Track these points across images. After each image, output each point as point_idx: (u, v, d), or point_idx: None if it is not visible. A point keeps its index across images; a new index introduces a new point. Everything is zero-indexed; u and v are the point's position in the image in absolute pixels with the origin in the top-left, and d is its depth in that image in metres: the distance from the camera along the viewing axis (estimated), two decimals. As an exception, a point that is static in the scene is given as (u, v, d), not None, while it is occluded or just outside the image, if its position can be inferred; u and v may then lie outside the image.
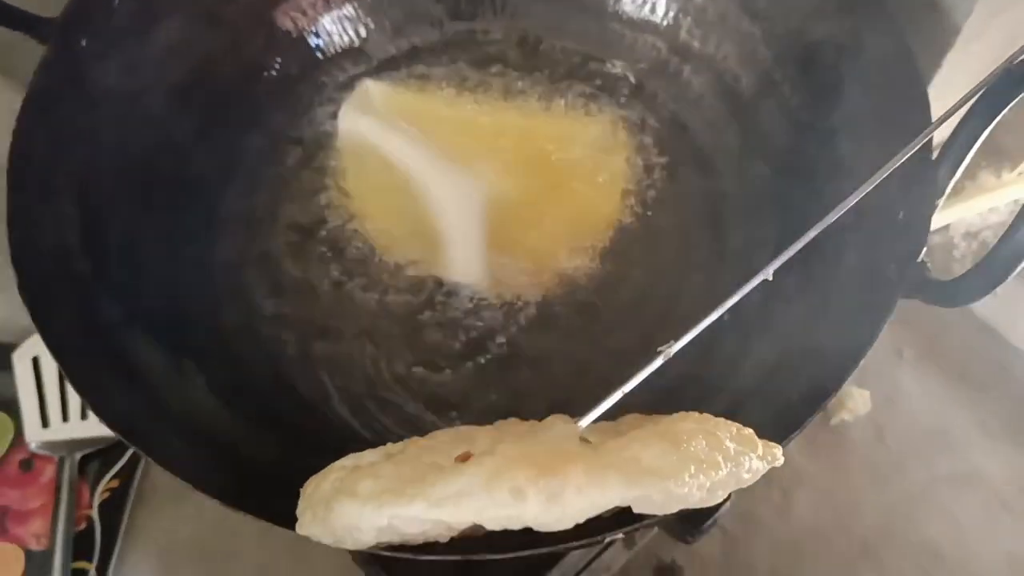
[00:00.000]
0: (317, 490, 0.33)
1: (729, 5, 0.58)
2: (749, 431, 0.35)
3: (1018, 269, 0.36)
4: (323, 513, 0.32)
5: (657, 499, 0.32)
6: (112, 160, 0.49)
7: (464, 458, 0.33)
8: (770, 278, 0.37)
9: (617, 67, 0.62)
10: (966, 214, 0.76)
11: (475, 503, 0.31)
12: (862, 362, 0.72)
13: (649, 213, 0.57)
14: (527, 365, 0.52)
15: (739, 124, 0.58)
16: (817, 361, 0.42)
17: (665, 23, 0.61)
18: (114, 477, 0.68)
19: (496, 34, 0.63)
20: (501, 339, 0.53)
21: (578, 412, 0.36)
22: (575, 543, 0.36)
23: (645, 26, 0.62)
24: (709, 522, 0.56)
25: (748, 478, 0.33)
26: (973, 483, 0.68)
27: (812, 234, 0.37)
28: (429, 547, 0.36)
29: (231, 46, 0.57)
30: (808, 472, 0.69)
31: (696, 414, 0.35)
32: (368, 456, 0.34)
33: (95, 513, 0.67)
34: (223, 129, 0.56)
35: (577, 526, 0.37)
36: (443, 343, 0.53)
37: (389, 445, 0.35)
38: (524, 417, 0.37)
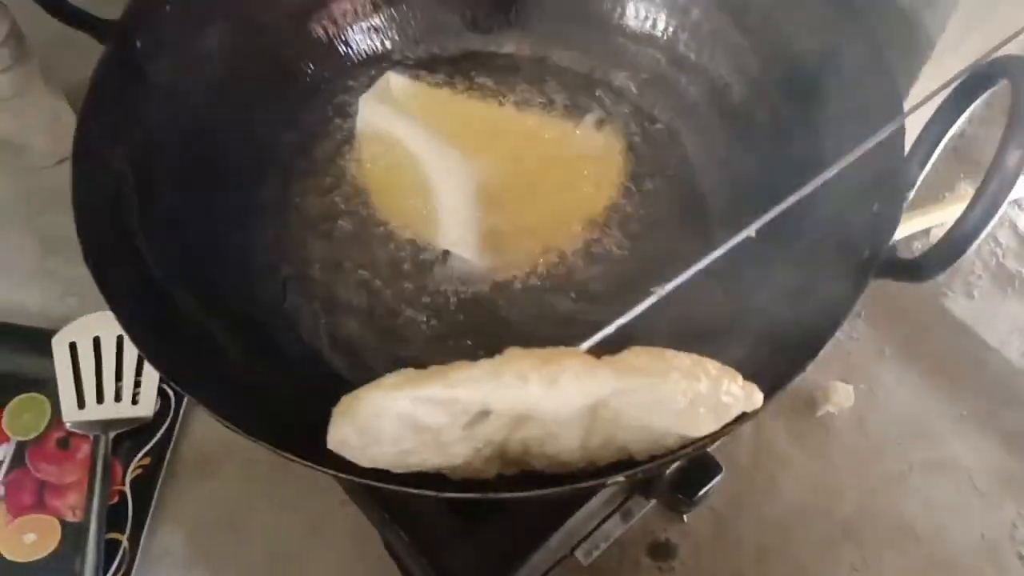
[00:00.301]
0: (345, 403, 0.38)
1: (722, 21, 0.63)
2: (732, 369, 0.39)
3: (972, 247, 0.41)
4: (352, 405, 0.37)
5: (644, 399, 0.36)
6: (162, 146, 0.55)
7: None
8: (753, 235, 0.41)
9: (620, 77, 0.67)
10: (945, 220, 0.81)
11: (484, 386, 0.36)
12: (847, 359, 0.77)
13: (642, 208, 0.62)
14: (514, 337, 0.57)
15: (731, 128, 0.63)
16: (799, 330, 0.46)
17: (664, 37, 0.66)
18: (145, 455, 0.72)
19: (509, 46, 0.68)
20: (492, 310, 0.58)
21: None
22: (582, 484, 0.41)
23: (646, 40, 0.67)
24: (702, 493, 0.60)
25: (727, 401, 0.38)
26: (947, 469, 0.72)
27: (794, 199, 0.42)
28: (443, 485, 0.41)
29: (269, 50, 0.62)
30: (794, 458, 0.74)
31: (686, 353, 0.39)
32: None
33: (127, 488, 0.71)
34: (260, 124, 0.61)
35: (581, 472, 0.42)
36: (439, 313, 0.58)
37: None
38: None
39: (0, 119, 0.82)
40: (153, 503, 0.70)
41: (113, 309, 0.45)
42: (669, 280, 0.42)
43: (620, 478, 0.41)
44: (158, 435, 0.73)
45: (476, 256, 0.59)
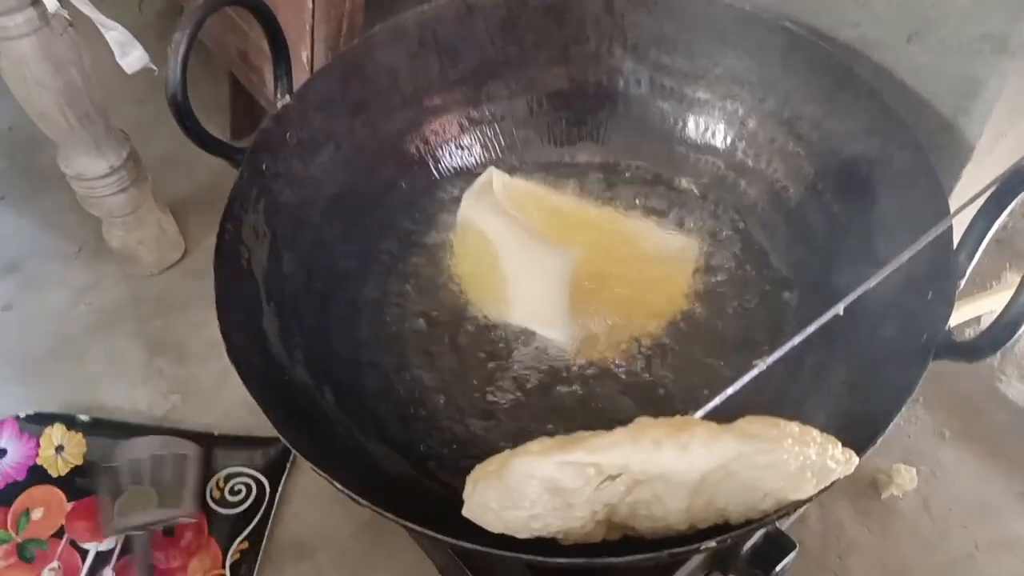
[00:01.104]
0: (483, 470, 0.43)
1: (777, 130, 0.69)
2: (832, 436, 0.44)
3: (1021, 331, 0.46)
4: (497, 471, 0.42)
5: (760, 461, 0.41)
6: (286, 254, 0.62)
7: None
8: (840, 313, 0.46)
9: (683, 182, 0.74)
10: (994, 307, 0.85)
11: (623, 451, 0.41)
12: (908, 442, 0.81)
13: (713, 299, 0.67)
14: (596, 413, 0.62)
15: (789, 225, 0.69)
16: (865, 410, 0.51)
17: (723, 146, 0.73)
18: (244, 540, 0.77)
19: (583, 156, 0.76)
20: (576, 391, 0.63)
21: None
22: (681, 548, 0.45)
23: (706, 148, 0.74)
24: (777, 570, 0.63)
25: (831, 466, 0.42)
26: (1012, 547, 0.74)
27: (871, 283, 0.47)
28: (559, 551, 0.45)
29: (370, 168, 0.70)
30: (861, 540, 0.77)
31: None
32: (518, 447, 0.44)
33: (227, 572, 0.76)
34: (363, 233, 0.69)
35: (680, 536, 0.46)
36: (527, 394, 0.63)
37: None
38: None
39: (114, 233, 0.90)
40: (252, 586, 0.75)
41: (253, 395, 0.50)
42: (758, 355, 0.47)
43: (712, 543, 0.45)
44: (255, 521, 0.78)
45: (566, 336, 0.65)
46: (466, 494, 0.44)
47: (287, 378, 0.57)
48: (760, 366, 0.46)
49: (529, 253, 0.69)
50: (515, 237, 0.70)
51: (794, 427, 0.43)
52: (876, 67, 0.67)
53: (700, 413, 0.45)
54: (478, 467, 0.44)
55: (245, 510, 0.79)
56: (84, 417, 0.83)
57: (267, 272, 0.60)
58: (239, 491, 0.80)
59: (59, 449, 0.81)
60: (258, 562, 0.76)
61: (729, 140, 0.73)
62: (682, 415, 0.46)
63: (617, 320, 0.67)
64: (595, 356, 0.65)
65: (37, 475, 0.80)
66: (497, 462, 0.43)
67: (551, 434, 0.59)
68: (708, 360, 0.64)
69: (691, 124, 0.74)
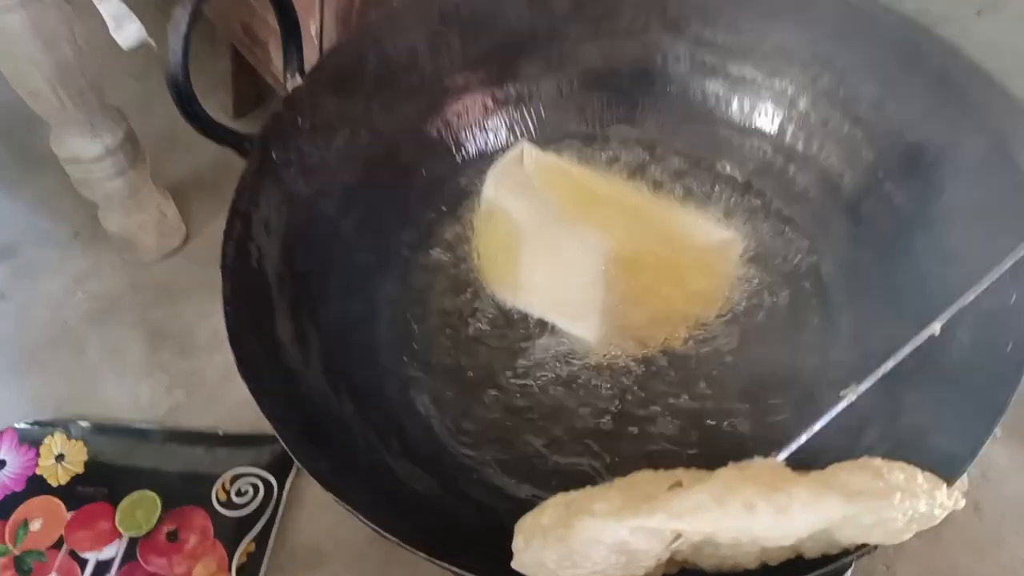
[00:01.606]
0: (536, 523, 0.38)
1: (831, 111, 0.64)
2: (935, 477, 0.39)
3: None
4: (560, 533, 0.37)
5: (866, 520, 0.36)
6: (299, 249, 0.58)
7: (675, 486, 0.37)
8: (937, 333, 0.41)
9: (727, 167, 0.69)
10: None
11: (710, 515, 0.36)
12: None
13: (758, 295, 0.62)
14: (629, 422, 0.58)
15: (844, 216, 0.64)
16: (945, 434, 0.46)
17: (771, 129, 0.68)
18: (251, 541, 0.73)
19: (618, 139, 0.71)
20: (615, 400, 0.58)
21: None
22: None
23: (752, 131, 0.69)
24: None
25: (939, 515, 0.37)
26: (1070, 555, 0.70)
27: (969, 298, 0.42)
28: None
29: (388, 153, 0.65)
30: (910, 547, 0.72)
31: (879, 459, 0.39)
32: (574, 495, 0.39)
33: (233, 575, 0.72)
34: (381, 224, 0.64)
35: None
36: (552, 397, 0.59)
37: (592, 487, 0.40)
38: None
39: (113, 218, 0.85)
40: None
41: (265, 413, 0.46)
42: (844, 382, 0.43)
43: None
44: (262, 522, 0.74)
45: (595, 334, 0.60)
46: (516, 547, 0.39)
47: (304, 390, 0.52)
48: (850, 396, 0.41)
49: (558, 238, 0.64)
50: (543, 220, 0.65)
51: (899, 475, 0.37)
52: (941, 43, 0.61)
53: (783, 455, 0.40)
54: (530, 517, 0.39)
55: (252, 511, 0.74)
56: (85, 424, 0.79)
57: (279, 271, 0.55)
58: (246, 492, 0.75)
59: (59, 458, 0.77)
60: (264, 562, 0.72)
61: (777, 122, 0.68)
62: (743, 444, 0.41)
63: (650, 318, 0.62)
64: (626, 357, 0.60)
65: (36, 485, 0.76)
66: (551, 514, 0.38)
67: (587, 448, 0.56)
68: (751, 367, 0.59)
69: (735, 105, 0.69)
